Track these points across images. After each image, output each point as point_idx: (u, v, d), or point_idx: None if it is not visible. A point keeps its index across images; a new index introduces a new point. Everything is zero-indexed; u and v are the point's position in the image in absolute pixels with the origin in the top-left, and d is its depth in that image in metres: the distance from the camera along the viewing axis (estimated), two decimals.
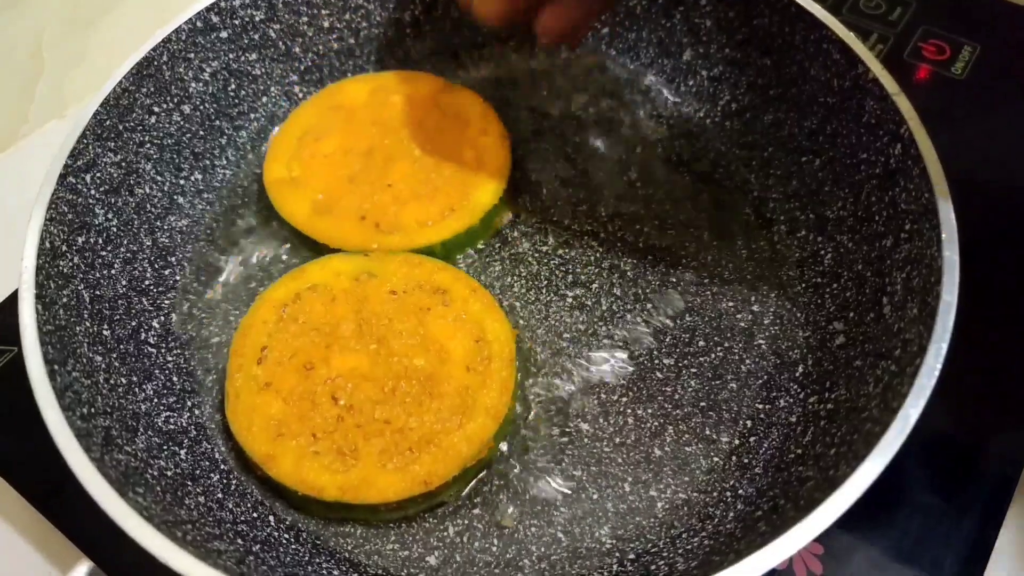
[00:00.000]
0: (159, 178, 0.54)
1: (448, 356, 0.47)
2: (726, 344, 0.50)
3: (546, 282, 0.53)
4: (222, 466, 0.46)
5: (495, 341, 0.47)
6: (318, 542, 0.44)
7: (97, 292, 0.47)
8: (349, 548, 0.44)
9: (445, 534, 0.44)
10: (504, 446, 0.47)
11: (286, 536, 0.44)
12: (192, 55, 0.55)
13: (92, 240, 0.48)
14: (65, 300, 0.44)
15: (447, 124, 0.58)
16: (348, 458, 0.44)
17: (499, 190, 0.54)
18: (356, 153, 0.56)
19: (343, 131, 0.57)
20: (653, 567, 0.41)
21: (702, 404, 0.47)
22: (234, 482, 0.46)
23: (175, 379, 0.49)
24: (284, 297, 0.50)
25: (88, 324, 0.45)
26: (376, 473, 0.43)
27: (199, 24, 0.55)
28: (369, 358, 0.47)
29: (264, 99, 0.60)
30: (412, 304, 0.49)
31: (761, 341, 0.50)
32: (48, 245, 0.44)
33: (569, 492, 0.45)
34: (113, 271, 0.49)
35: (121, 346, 0.47)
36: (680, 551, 0.42)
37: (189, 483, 0.43)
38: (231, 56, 0.57)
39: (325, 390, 0.46)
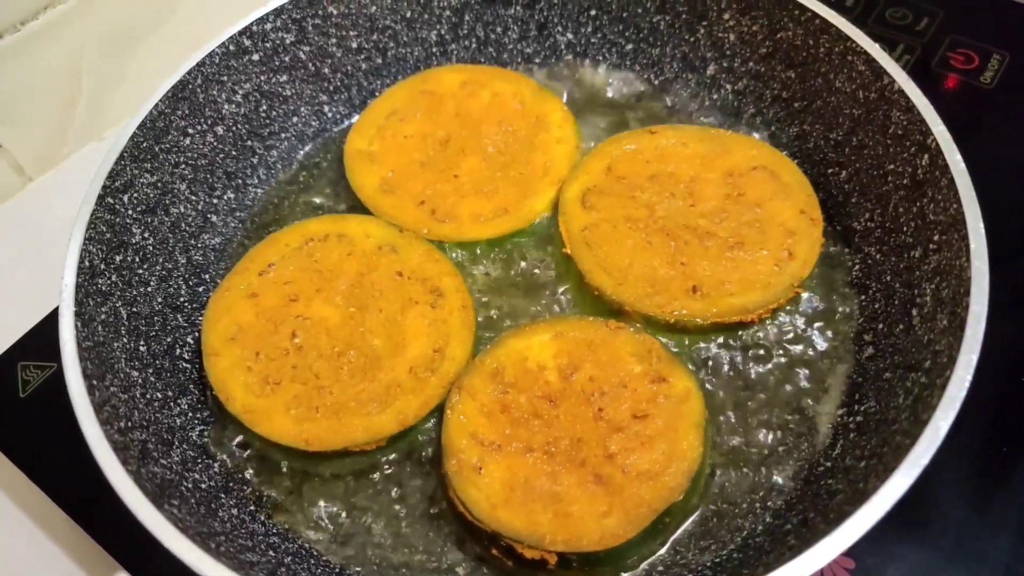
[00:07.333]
0: (193, 198, 0.55)
1: (403, 351, 0.48)
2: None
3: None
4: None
5: (450, 360, 0.48)
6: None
7: (134, 309, 0.48)
8: (377, 561, 0.44)
9: (473, 549, 0.44)
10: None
11: (317, 548, 0.44)
12: (225, 78, 0.56)
13: (129, 259, 0.49)
14: (103, 317, 0.45)
15: (526, 126, 0.58)
16: (268, 386, 0.46)
17: (555, 201, 0.54)
18: (434, 139, 0.58)
19: (427, 117, 0.59)
20: None
21: (731, 415, 0.47)
22: (266, 495, 0.46)
23: (209, 394, 0.50)
24: (317, 231, 0.52)
25: (125, 340, 0.46)
26: (279, 416, 0.46)
27: (232, 48, 0.56)
28: (341, 318, 0.49)
29: (294, 119, 0.61)
30: (407, 292, 0.50)
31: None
32: (87, 264, 0.46)
33: None
34: (149, 288, 0.50)
35: (157, 361, 0.48)
36: (709, 564, 0.42)
37: (223, 495, 0.44)
38: (263, 78, 0.59)
39: (290, 324, 0.49)
